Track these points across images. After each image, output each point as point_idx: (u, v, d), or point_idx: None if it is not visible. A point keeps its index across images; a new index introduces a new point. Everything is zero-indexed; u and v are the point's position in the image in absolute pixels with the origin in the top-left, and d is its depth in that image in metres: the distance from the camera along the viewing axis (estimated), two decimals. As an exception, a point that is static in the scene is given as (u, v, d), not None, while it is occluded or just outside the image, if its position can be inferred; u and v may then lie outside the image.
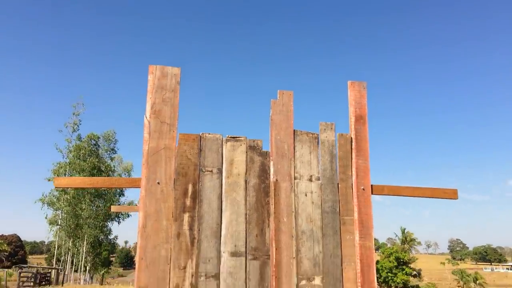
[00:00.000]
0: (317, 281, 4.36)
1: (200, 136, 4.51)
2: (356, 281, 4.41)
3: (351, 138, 4.80)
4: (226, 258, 4.26)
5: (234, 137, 4.58)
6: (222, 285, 4.18)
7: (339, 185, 4.65)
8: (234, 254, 4.28)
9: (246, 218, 4.39)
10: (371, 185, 4.69)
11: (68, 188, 4.70)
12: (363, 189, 4.65)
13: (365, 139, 4.83)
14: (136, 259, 4.12)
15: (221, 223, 4.33)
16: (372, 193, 4.68)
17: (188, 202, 4.31)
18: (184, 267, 4.15)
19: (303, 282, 4.32)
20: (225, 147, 4.53)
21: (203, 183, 4.40)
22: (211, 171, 4.44)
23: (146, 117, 4.43)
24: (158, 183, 4.27)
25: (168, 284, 4.07)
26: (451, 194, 4.91)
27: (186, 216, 4.27)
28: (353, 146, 4.76)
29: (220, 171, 4.46)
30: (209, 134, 4.55)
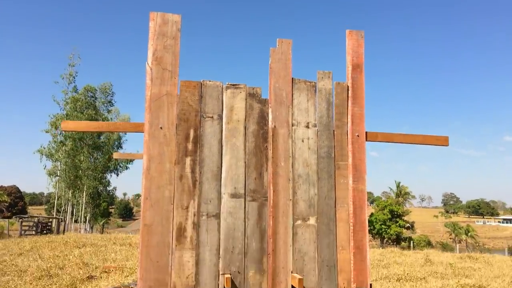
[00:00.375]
0: (312, 221, 4.62)
1: (201, 83, 4.65)
2: (349, 221, 4.68)
3: (348, 86, 4.94)
4: (226, 199, 4.50)
5: (234, 85, 4.72)
6: (222, 224, 4.44)
7: (335, 132, 4.84)
8: (233, 195, 4.52)
9: (245, 162, 4.60)
10: (366, 132, 4.88)
11: (75, 131, 4.80)
12: (358, 136, 4.84)
13: (361, 87, 4.97)
14: (141, 199, 4.35)
15: (221, 166, 4.55)
16: (366, 140, 4.88)
17: (189, 146, 4.50)
18: (187, 207, 4.39)
19: (299, 222, 4.59)
20: (225, 94, 4.68)
21: (204, 129, 4.58)
22: (212, 117, 4.61)
23: (147, 64, 4.54)
24: (161, 128, 4.44)
25: (172, 223, 4.33)
26: (442, 141, 5.11)
27: (188, 160, 4.48)
28: (350, 94, 4.91)
29: (220, 117, 4.63)
30: (209, 81, 4.68)
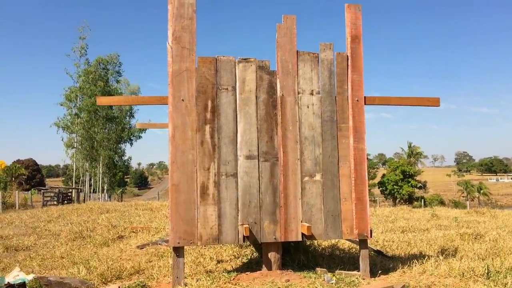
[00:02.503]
0: (318, 177, 5.28)
1: (216, 59, 5.23)
2: (351, 176, 5.32)
3: (347, 56, 5.49)
4: (242, 161, 5.15)
5: (245, 59, 5.29)
6: (239, 182, 5.12)
7: (337, 98, 5.42)
8: (248, 157, 5.17)
9: (257, 128, 5.23)
10: (364, 97, 5.46)
11: (109, 105, 5.38)
12: (357, 100, 5.42)
13: (360, 56, 5.51)
14: (169, 162, 5.02)
15: (236, 132, 5.18)
16: (365, 104, 5.46)
17: (208, 115, 5.13)
18: (208, 168, 5.06)
19: (306, 178, 5.25)
20: (237, 68, 5.27)
21: (220, 99, 5.19)
22: (227, 89, 5.22)
23: (168, 43, 5.13)
24: (183, 100, 5.06)
25: (196, 182, 5.01)
26: (434, 102, 5.67)
27: (207, 127, 5.12)
28: (349, 63, 5.46)
29: (234, 89, 5.24)
30: (223, 56, 5.26)
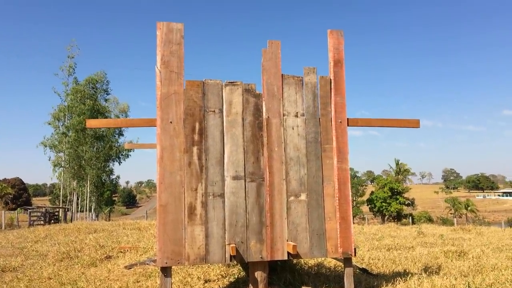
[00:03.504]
0: (303, 197, 5.41)
1: (203, 82, 5.39)
2: (335, 196, 5.47)
3: (331, 79, 5.69)
4: (229, 181, 5.28)
5: (232, 82, 5.46)
6: (226, 202, 5.23)
7: (320, 119, 5.60)
8: (235, 177, 5.30)
9: (244, 149, 5.37)
10: (347, 118, 5.64)
11: (98, 127, 5.48)
12: (340, 122, 5.60)
13: (343, 80, 5.71)
14: (157, 183, 5.12)
15: (223, 153, 5.31)
16: (348, 125, 5.64)
17: (196, 137, 5.27)
18: (196, 189, 5.17)
19: (292, 198, 5.38)
20: (224, 91, 5.43)
21: (208, 121, 5.34)
22: (214, 111, 5.37)
23: (157, 67, 5.28)
24: (171, 122, 5.20)
25: (184, 202, 5.11)
26: (414, 123, 5.87)
27: (195, 149, 5.25)
28: (332, 86, 5.66)
29: (221, 111, 5.39)
30: (210, 80, 5.42)
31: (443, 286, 5.15)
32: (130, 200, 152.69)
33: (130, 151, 55.51)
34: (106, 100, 53.88)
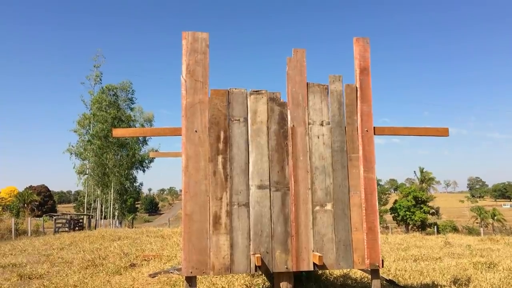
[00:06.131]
0: (329, 206, 5.34)
1: (228, 91, 5.39)
2: (361, 206, 5.37)
3: (356, 87, 5.62)
4: (254, 190, 5.24)
5: (256, 91, 5.44)
6: (251, 211, 5.19)
7: (346, 128, 5.53)
8: (260, 187, 5.26)
9: (269, 158, 5.33)
10: (374, 127, 5.56)
11: (124, 136, 5.51)
12: (367, 131, 5.52)
13: (369, 88, 5.64)
14: (182, 192, 5.12)
15: (248, 162, 5.29)
16: (374, 134, 5.55)
17: (220, 146, 5.26)
18: (221, 198, 5.15)
19: (317, 207, 5.31)
20: (249, 100, 5.41)
21: (232, 130, 5.32)
22: (239, 120, 5.35)
23: (182, 77, 5.30)
24: (196, 131, 5.20)
25: (208, 212, 5.09)
26: (443, 132, 5.75)
27: (220, 158, 5.23)
28: (358, 95, 5.58)
29: (246, 120, 5.37)
30: (235, 89, 5.42)
31: (474, 300, 5.00)
32: (153, 208, 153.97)
33: (153, 160, 56.13)
34: (131, 109, 54.68)
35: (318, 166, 5.39)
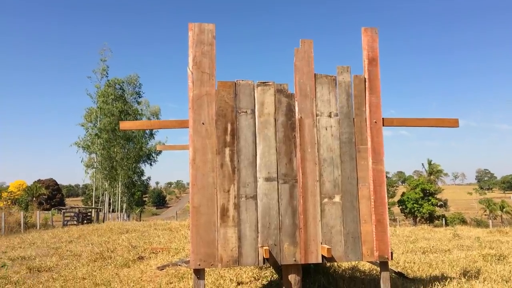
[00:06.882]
0: (337, 198, 5.29)
1: (235, 83, 5.34)
2: (370, 198, 5.33)
3: (365, 78, 5.55)
4: (261, 183, 5.21)
5: (263, 82, 5.39)
6: (259, 204, 5.16)
7: (355, 120, 5.47)
8: (268, 179, 5.22)
9: (276, 150, 5.29)
10: (382, 118, 5.50)
11: (132, 129, 5.47)
12: (375, 122, 5.46)
13: (377, 78, 5.57)
14: (190, 185, 5.10)
15: (256, 154, 5.25)
16: (383, 125, 5.49)
17: (228, 138, 5.22)
18: (228, 191, 5.12)
19: (326, 200, 5.27)
20: (256, 91, 5.36)
21: (240, 122, 5.28)
22: (246, 112, 5.31)
23: (189, 69, 5.26)
24: (203, 123, 5.17)
25: (216, 204, 5.07)
26: (453, 123, 5.67)
27: (227, 150, 5.20)
28: (367, 86, 5.52)
29: (253, 112, 5.33)
30: (242, 80, 5.37)
31: (484, 292, 4.95)
32: (160, 201, 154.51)
33: (160, 153, 56.25)
34: (138, 103, 54.73)
35: (326, 158, 5.35)
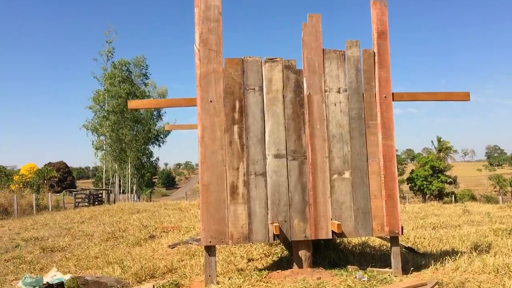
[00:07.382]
0: (347, 174, 5.27)
1: (242, 60, 5.29)
2: (380, 173, 5.30)
3: (374, 52, 5.46)
4: (270, 160, 5.20)
5: (271, 59, 5.33)
6: (268, 181, 5.16)
7: (364, 95, 5.41)
8: (277, 156, 5.21)
9: (285, 127, 5.26)
10: (392, 93, 5.42)
11: (140, 108, 5.48)
12: (385, 97, 5.39)
13: (387, 52, 5.48)
14: (199, 163, 5.10)
15: (264, 131, 5.23)
16: (393, 100, 5.42)
17: (236, 116, 5.19)
18: (237, 168, 5.12)
19: (335, 176, 5.25)
20: (264, 68, 5.31)
21: (248, 100, 5.25)
22: (254, 89, 5.27)
23: (195, 46, 5.21)
24: (211, 101, 5.14)
25: (226, 182, 5.08)
26: (464, 96, 5.59)
27: (235, 128, 5.18)
28: (376, 60, 5.44)
29: (261, 89, 5.28)
30: (249, 57, 5.31)
31: (495, 265, 4.94)
32: (170, 182, 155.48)
33: (168, 134, 56.38)
34: (145, 85, 54.65)
35: (336, 134, 5.31)
